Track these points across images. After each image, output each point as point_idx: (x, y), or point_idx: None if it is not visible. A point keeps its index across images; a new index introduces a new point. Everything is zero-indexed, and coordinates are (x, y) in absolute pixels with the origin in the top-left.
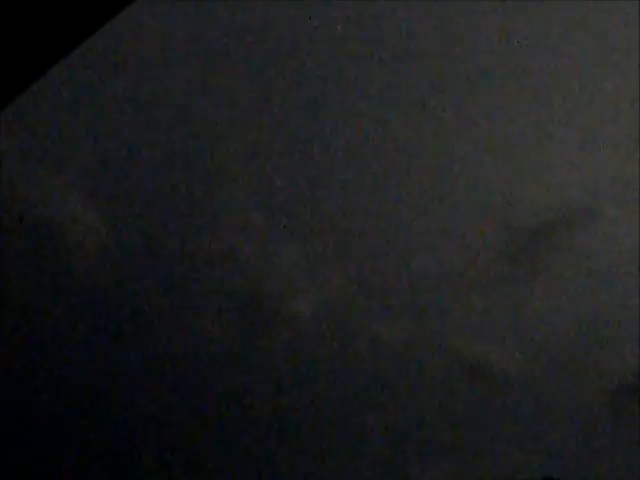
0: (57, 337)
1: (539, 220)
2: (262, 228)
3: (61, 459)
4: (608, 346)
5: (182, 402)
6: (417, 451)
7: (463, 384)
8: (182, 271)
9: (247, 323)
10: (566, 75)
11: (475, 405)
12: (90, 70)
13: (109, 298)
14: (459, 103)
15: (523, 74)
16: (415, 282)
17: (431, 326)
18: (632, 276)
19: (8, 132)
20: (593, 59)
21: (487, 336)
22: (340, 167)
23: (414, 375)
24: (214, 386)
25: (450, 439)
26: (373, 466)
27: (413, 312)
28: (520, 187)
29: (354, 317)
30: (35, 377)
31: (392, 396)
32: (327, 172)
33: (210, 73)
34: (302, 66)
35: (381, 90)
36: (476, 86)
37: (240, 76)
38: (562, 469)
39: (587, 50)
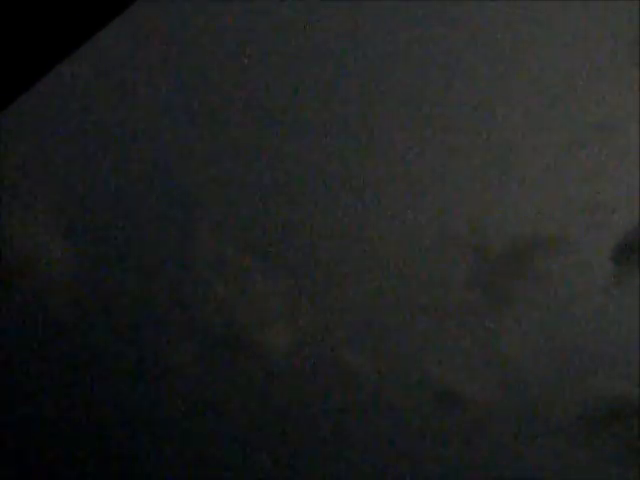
0: (26, 370)
1: (509, 248)
2: (235, 262)
3: None
4: (580, 373)
5: (154, 436)
6: (387, 477)
7: (436, 413)
8: (154, 305)
9: (220, 357)
10: (533, 100)
11: (448, 434)
12: (60, 102)
13: (80, 333)
14: (425, 128)
15: (490, 99)
16: (387, 313)
17: (402, 354)
18: (603, 303)
19: None
20: (560, 83)
21: (460, 365)
22: (311, 201)
23: (387, 406)
24: (186, 419)
25: (423, 469)
26: None
27: (383, 343)
28: (490, 214)
29: (327, 349)
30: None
31: (365, 427)
32: (299, 207)
33: (184, 104)
34: (266, 107)
35: (344, 125)
36: (442, 110)
37: (217, 111)
38: None
39: (553, 73)
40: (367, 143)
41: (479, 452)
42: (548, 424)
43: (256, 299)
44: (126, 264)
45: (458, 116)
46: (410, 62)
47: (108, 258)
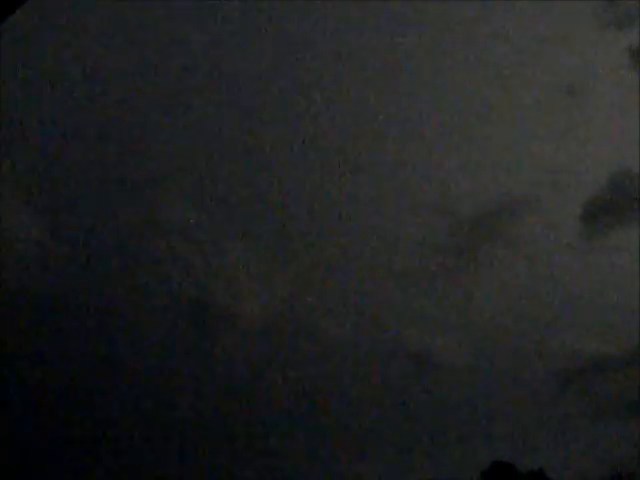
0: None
1: (479, 211)
2: (206, 229)
3: None
4: (552, 328)
5: (127, 403)
6: (366, 444)
7: (411, 375)
8: (126, 276)
9: (193, 325)
10: (501, 65)
11: (423, 395)
12: (27, 73)
13: (53, 307)
14: (398, 96)
15: (459, 67)
16: (360, 277)
17: (377, 320)
18: (571, 261)
19: None
20: (528, 48)
21: (433, 327)
22: (283, 166)
23: (362, 369)
24: (160, 388)
25: (399, 430)
26: (323, 462)
27: (359, 307)
28: (459, 179)
29: (301, 315)
30: None
31: (341, 391)
32: (270, 171)
33: (144, 79)
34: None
35: (321, 89)
36: (414, 78)
37: (175, 82)
38: (512, 452)
39: (522, 38)
40: (338, 109)
41: (453, 412)
42: (520, 382)
43: (230, 267)
44: (97, 236)
45: (427, 82)
46: (382, 32)
47: (79, 231)
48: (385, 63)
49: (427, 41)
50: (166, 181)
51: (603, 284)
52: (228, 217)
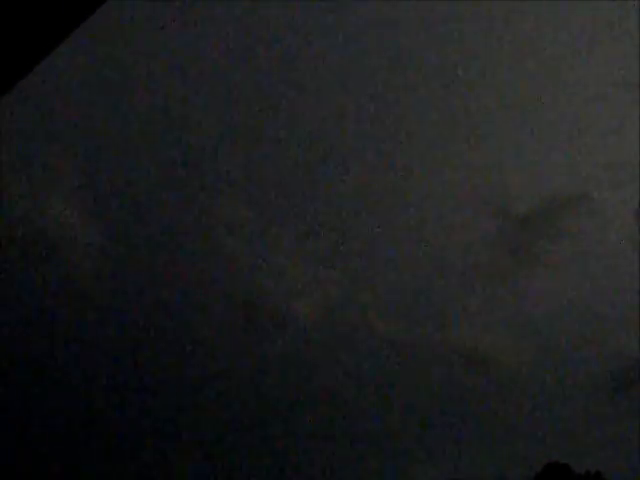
0: (56, 348)
1: (533, 208)
2: (258, 229)
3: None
4: (607, 329)
5: (178, 403)
6: (422, 443)
7: (464, 374)
8: (180, 276)
9: (245, 324)
10: (556, 61)
11: (477, 394)
12: (84, 85)
13: (107, 308)
14: (451, 93)
15: (513, 63)
16: (413, 276)
17: (429, 318)
18: (628, 259)
19: (4, 147)
20: (582, 43)
21: (487, 325)
22: (335, 167)
23: (416, 369)
24: (211, 387)
25: (453, 430)
26: (379, 461)
27: (411, 306)
28: (514, 175)
29: (352, 313)
30: (32, 387)
31: (395, 391)
32: (323, 171)
33: (201, 82)
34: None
35: (370, 85)
36: (466, 76)
37: (232, 85)
38: (567, 453)
39: (575, 34)
40: (389, 108)
41: (506, 412)
42: (576, 382)
43: (282, 266)
44: (151, 237)
45: (481, 80)
46: (432, 29)
47: (133, 233)
48: (440, 58)
49: (481, 36)
50: (220, 181)
51: None
52: (280, 217)
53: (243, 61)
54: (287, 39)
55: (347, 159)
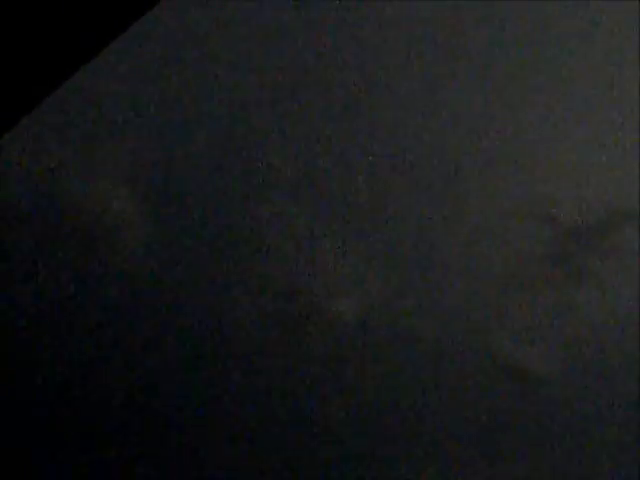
0: (101, 333)
1: (585, 220)
2: (303, 224)
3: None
4: None
5: (211, 395)
6: (456, 454)
7: (504, 387)
8: (222, 269)
9: (283, 321)
10: (606, 72)
11: (513, 409)
12: (131, 69)
13: (153, 294)
14: (499, 100)
15: (566, 65)
16: (458, 283)
17: (473, 328)
18: None
19: (53, 130)
20: (629, 53)
21: (530, 339)
22: (382, 164)
23: (455, 378)
24: (247, 381)
25: (490, 442)
26: (409, 465)
27: (455, 313)
28: (565, 186)
29: (396, 318)
30: (71, 367)
31: (433, 398)
32: (370, 170)
33: (255, 72)
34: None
35: (414, 90)
36: (516, 77)
37: (286, 76)
38: (605, 473)
39: (621, 44)
40: (437, 110)
41: (547, 430)
42: (621, 402)
43: (325, 263)
44: (198, 230)
45: (533, 85)
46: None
47: (182, 225)
48: (489, 64)
49: (533, 37)
50: (269, 175)
51: None
52: (326, 213)
53: (304, 54)
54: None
55: (396, 159)
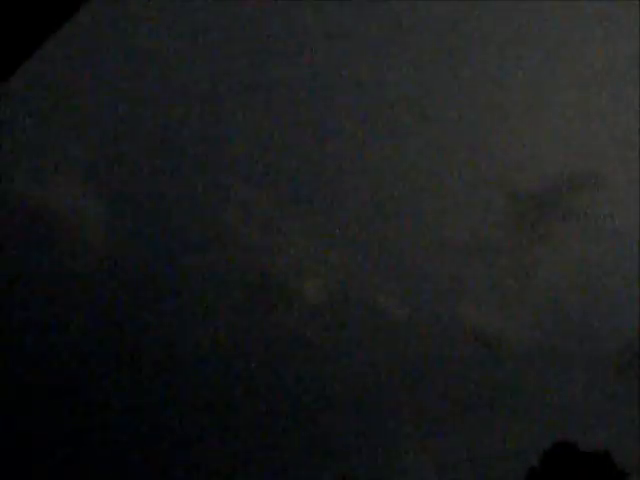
0: (60, 326)
1: (542, 186)
2: (267, 208)
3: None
4: (615, 311)
5: (187, 380)
6: (424, 421)
7: (472, 352)
8: (188, 256)
9: (254, 301)
10: (567, 40)
11: (483, 373)
12: (93, 63)
13: (113, 284)
14: (458, 68)
15: (523, 39)
16: (420, 253)
17: (439, 298)
18: (635, 238)
19: (9, 125)
20: (593, 22)
21: (493, 303)
22: (341, 146)
23: (424, 348)
24: (221, 366)
25: (460, 409)
26: (385, 436)
27: (419, 284)
28: (523, 154)
29: (361, 292)
30: (32, 370)
31: (401, 369)
32: (329, 151)
33: (211, 66)
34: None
35: (376, 68)
36: (474, 51)
37: (241, 67)
38: (575, 432)
39: (587, 14)
40: (396, 86)
41: (515, 390)
42: (584, 361)
43: (291, 248)
44: (158, 218)
45: (490, 61)
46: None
47: (140, 212)
48: (449, 42)
49: (487, 21)
50: (231, 161)
51: None
52: (288, 195)
53: (265, 49)
54: (308, 36)
55: (353, 137)
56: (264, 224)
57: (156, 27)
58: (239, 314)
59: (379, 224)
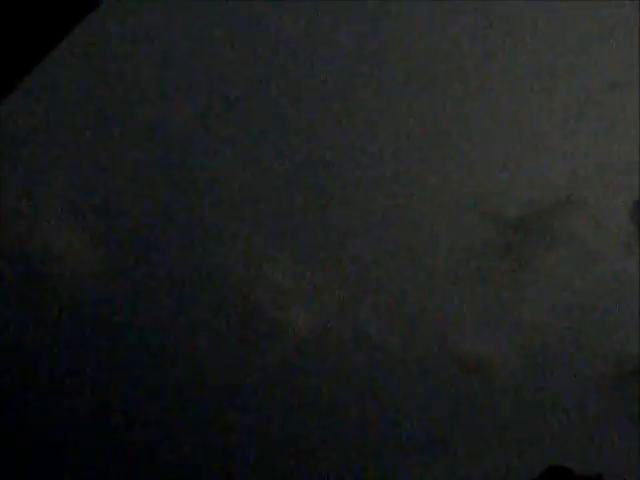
0: (48, 363)
1: (525, 211)
2: (253, 241)
3: None
4: (602, 333)
5: (174, 414)
6: (417, 450)
7: (460, 380)
8: (175, 289)
9: (240, 337)
10: (546, 62)
11: (473, 399)
12: (79, 97)
13: (103, 320)
14: (439, 95)
15: (502, 61)
16: (408, 283)
17: (426, 326)
18: (620, 262)
19: None
20: (573, 44)
21: (482, 331)
22: (326, 178)
23: (412, 376)
24: (207, 398)
25: (449, 435)
26: (374, 467)
27: (407, 313)
28: (505, 178)
29: (348, 323)
30: (23, 409)
31: (392, 398)
32: (314, 181)
33: (200, 96)
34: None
35: (359, 88)
36: (454, 74)
37: (230, 95)
38: (567, 457)
39: (567, 36)
40: (378, 112)
41: (506, 416)
42: (571, 384)
43: (278, 278)
44: (145, 248)
45: (470, 81)
46: (420, 24)
47: (130, 249)
48: (430, 62)
49: (468, 38)
50: (215, 193)
51: None
52: (276, 228)
53: (250, 77)
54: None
55: (340, 169)
56: (250, 256)
57: (142, 59)
58: (224, 346)
59: (366, 254)
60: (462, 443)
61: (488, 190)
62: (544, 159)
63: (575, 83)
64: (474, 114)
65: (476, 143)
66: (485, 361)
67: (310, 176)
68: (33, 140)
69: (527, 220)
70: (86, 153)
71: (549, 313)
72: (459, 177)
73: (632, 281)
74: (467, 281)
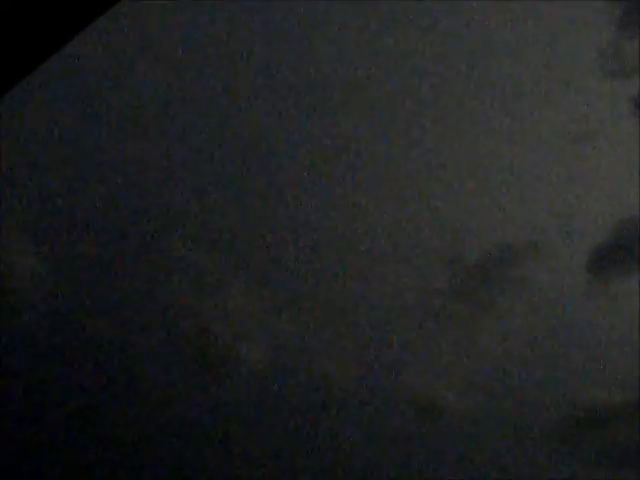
0: (10, 386)
1: (486, 256)
2: (207, 271)
3: None
4: (559, 379)
5: (126, 448)
6: None
7: (413, 421)
8: (127, 317)
9: (194, 367)
10: (503, 111)
11: (425, 442)
12: (32, 110)
13: (54, 346)
14: (398, 138)
15: (461, 112)
16: (365, 323)
17: (382, 366)
18: (576, 309)
19: None
20: (531, 90)
21: (439, 373)
22: (285, 208)
23: (367, 417)
24: (161, 430)
25: (400, 476)
26: None
27: (362, 351)
28: (466, 223)
29: (304, 358)
30: None
31: (344, 436)
32: (273, 213)
33: (154, 117)
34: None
35: (323, 125)
36: (414, 120)
37: (187, 124)
38: None
39: (526, 86)
40: (340, 153)
41: (460, 461)
42: (529, 430)
43: (232, 309)
44: (98, 275)
45: (432, 128)
46: (385, 69)
47: (79, 268)
48: (390, 100)
49: (422, 87)
50: (172, 222)
51: (608, 333)
52: (230, 259)
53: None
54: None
55: (301, 202)
56: (203, 286)
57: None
58: (175, 377)
59: (322, 289)
60: None
61: (450, 233)
62: (502, 206)
63: (534, 133)
64: (433, 161)
65: (435, 189)
66: (439, 402)
67: (273, 206)
68: None
69: (486, 264)
70: (47, 175)
71: (507, 357)
72: (421, 221)
73: (588, 328)
74: (425, 322)
